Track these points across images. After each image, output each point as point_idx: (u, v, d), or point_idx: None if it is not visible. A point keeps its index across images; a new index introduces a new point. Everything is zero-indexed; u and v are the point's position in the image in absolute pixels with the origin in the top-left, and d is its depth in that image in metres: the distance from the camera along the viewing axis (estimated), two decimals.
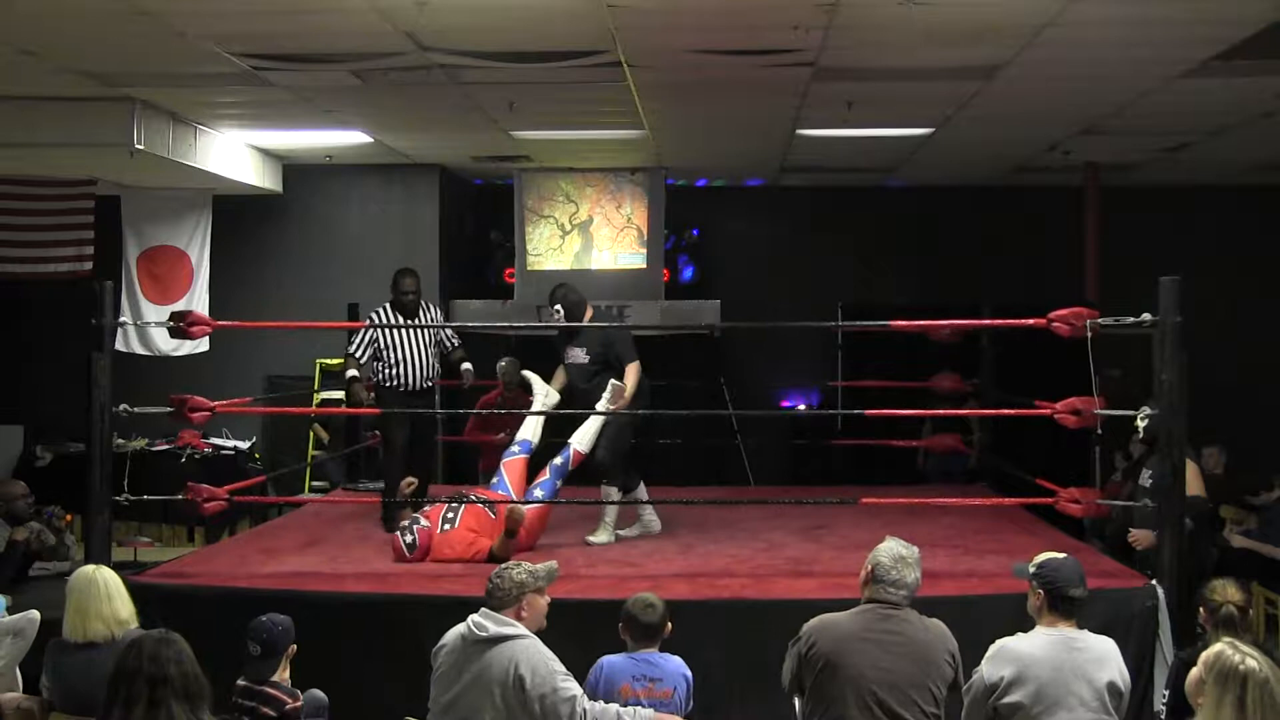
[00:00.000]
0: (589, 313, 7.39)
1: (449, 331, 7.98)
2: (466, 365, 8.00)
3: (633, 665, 4.53)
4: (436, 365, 7.78)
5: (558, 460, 6.99)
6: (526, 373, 7.91)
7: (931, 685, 4.07)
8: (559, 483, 6.95)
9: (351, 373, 7.67)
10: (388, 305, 7.64)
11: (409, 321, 7.58)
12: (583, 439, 7.05)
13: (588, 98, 8.49)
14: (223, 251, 11.15)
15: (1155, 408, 5.80)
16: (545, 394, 7.40)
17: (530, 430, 7.32)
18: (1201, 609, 4.74)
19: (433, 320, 7.84)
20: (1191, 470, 6.25)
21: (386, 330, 7.50)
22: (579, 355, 7.27)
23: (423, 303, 7.75)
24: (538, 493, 6.86)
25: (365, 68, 7.54)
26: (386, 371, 7.60)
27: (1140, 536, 6.24)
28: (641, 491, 7.39)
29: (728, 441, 11.21)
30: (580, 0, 6.09)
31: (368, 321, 7.67)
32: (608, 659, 4.59)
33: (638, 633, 4.59)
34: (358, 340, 7.68)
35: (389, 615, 5.68)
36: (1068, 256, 11.79)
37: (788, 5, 6.20)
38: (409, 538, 6.58)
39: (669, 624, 4.62)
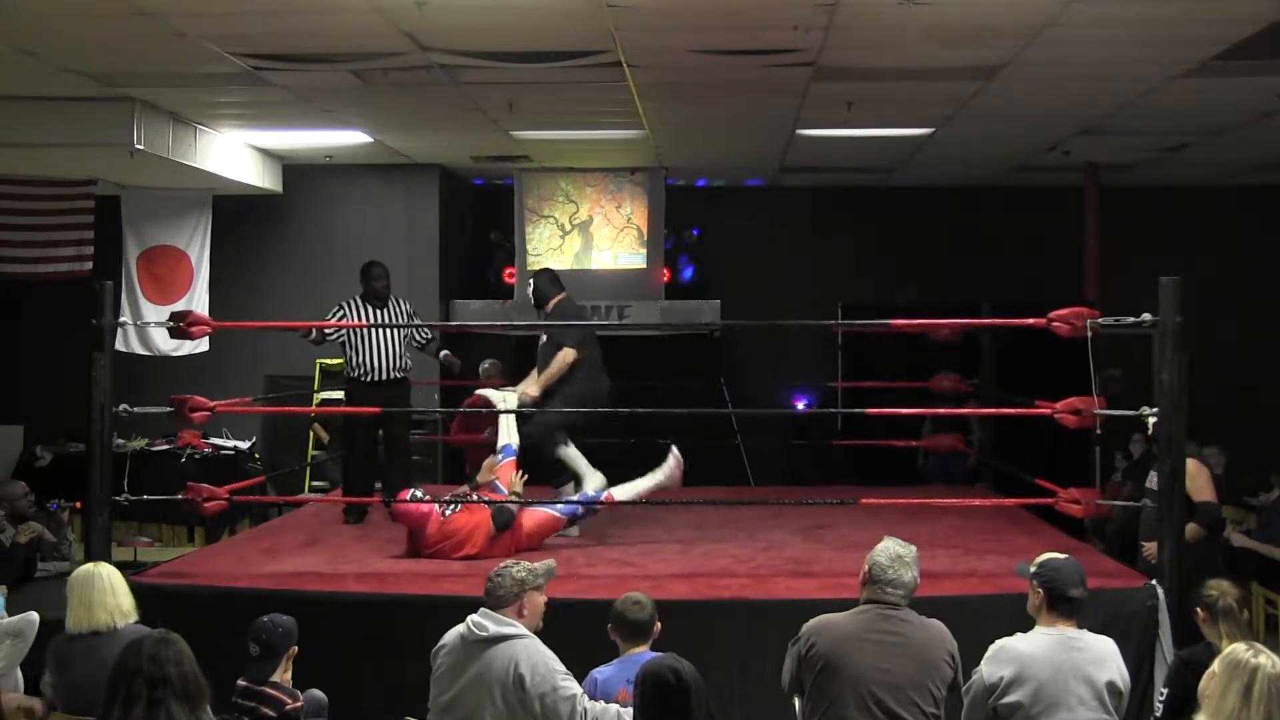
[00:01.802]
0: (558, 297, 7.37)
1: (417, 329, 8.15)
2: (445, 351, 8.19)
3: (625, 670, 4.42)
4: (407, 357, 7.96)
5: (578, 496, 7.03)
6: (482, 391, 7.92)
7: (931, 685, 4.07)
8: (581, 509, 6.99)
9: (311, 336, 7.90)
10: (357, 297, 7.91)
11: (379, 312, 7.83)
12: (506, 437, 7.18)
13: (588, 98, 8.49)
14: (223, 251, 11.14)
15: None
16: (502, 399, 7.37)
17: (506, 435, 7.29)
18: (1199, 609, 4.73)
19: (403, 312, 8.00)
20: (1202, 473, 6.12)
21: (354, 319, 7.74)
22: (542, 339, 7.37)
23: (392, 295, 7.99)
24: (545, 509, 6.95)
25: (365, 68, 7.54)
26: (355, 359, 7.82)
27: (1153, 550, 5.90)
28: (567, 492, 7.37)
29: (728, 441, 11.21)
30: (580, 0, 6.09)
31: (339, 310, 7.85)
32: (597, 672, 4.49)
33: (627, 632, 4.55)
34: (329, 324, 7.84)
35: (389, 615, 5.68)
36: (1068, 256, 11.79)
37: (788, 5, 6.20)
38: (419, 494, 6.73)
39: (658, 623, 4.59)
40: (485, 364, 9.46)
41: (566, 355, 7.07)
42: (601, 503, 6.94)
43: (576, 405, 7.13)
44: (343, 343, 7.87)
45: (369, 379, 7.80)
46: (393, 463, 8.03)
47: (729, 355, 12.13)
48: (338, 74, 7.70)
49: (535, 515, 6.87)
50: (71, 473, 8.23)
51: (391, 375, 7.84)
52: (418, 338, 8.09)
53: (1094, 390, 5.84)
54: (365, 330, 7.74)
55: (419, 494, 6.75)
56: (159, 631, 3.75)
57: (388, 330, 7.79)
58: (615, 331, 11.14)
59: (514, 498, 6.79)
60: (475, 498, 6.87)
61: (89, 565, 5.05)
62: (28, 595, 6.76)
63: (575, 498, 7.01)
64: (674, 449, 7.06)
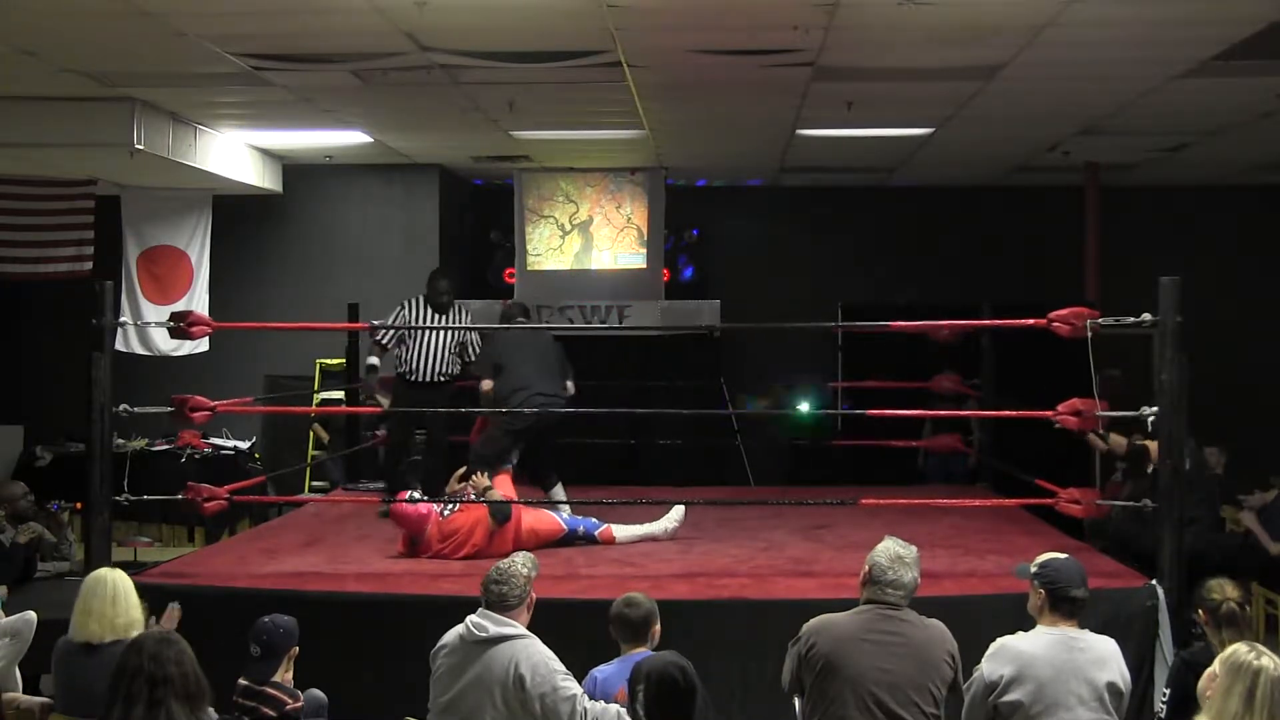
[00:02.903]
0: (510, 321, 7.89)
1: (475, 339, 8.13)
2: (487, 382, 8.17)
3: (625, 669, 4.37)
4: (455, 363, 8.05)
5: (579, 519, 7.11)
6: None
7: (931, 686, 4.07)
8: (581, 528, 7.04)
9: (372, 360, 8.11)
10: (421, 298, 8.03)
11: (439, 316, 7.93)
12: None
13: (588, 98, 8.49)
14: (223, 251, 11.15)
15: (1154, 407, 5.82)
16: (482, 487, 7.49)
17: None
18: (1200, 610, 4.73)
19: (461, 319, 8.12)
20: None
21: (413, 318, 7.87)
22: None
23: (455, 303, 8.11)
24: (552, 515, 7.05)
25: (365, 68, 7.54)
26: (405, 355, 7.98)
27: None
28: (557, 494, 7.54)
29: (728, 442, 11.21)
30: (580, 0, 6.10)
31: (400, 309, 8.01)
32: (598, 671, 4.50)
33: (627, 632, 4.55)
34: (388, 325, 7.97)
35: (389, 615, 5.68)
36: (1068, 256, 11.79)
37: (788, 5, 6.20)
38: (416, 495, 6.75)
39: (658, 623, 4.59)
40: None
41: (483, 388, 7.58)
42: (596, 538, 6.99)
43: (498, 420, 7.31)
44: (401, 338, 8.00)
45: (411, 378, 7.95)
46: (434, 462, 8.08)
47: (729, 355, 12.12)
48: (338, 74, 7.70)
49: (539, 517, 6.87)
50: (71, 473, 8.23)
51: (433, 378, 7.95)
52: (469, 351, 8.11)
53: (1094, 391, 5.84)
54: (420, 330, 7.88)
55: (417, 495, 6.75)
56: (159, 631, 3.76)
57: (439, 334, 7.89)
58: (615, 331, 11.17)
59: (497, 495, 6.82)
60: (473, 496, 6.87)
61: (103, 570, 4.90)
62: (28, 595, 6.78)
63: (577, 519, 7.08)
64: (680, 508, 7.17)
